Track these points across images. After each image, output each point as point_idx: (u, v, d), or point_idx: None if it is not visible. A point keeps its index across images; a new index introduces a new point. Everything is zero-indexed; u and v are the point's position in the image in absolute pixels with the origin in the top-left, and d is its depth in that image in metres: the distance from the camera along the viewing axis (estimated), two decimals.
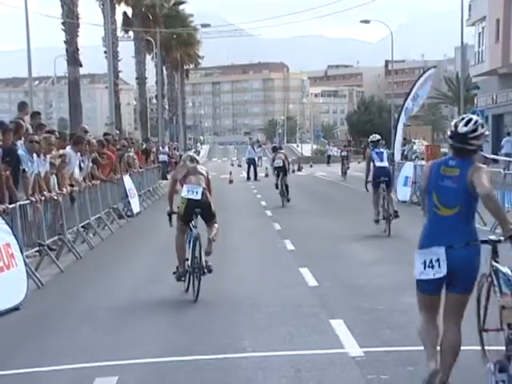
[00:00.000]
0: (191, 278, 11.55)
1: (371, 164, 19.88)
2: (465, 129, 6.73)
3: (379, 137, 20.99)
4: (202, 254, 11.64)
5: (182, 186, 12.03)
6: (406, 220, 20.69)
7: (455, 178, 6.66)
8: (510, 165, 36.85)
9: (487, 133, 7.14)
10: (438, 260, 6.58)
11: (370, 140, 22.21)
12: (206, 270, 11.48)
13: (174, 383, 7.34)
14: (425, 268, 6.62)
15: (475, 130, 6.77)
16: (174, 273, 11.68)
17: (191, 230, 11.80)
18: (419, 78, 31.10)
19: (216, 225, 12.30)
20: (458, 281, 6.69)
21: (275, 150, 29.02)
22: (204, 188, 12.05)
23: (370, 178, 19.76)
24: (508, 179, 20.10)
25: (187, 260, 11.57)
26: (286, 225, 20.33)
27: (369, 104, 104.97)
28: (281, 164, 28.74)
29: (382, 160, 19.77)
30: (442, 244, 6.54)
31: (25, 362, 8.17)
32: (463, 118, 6.89)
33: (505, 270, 6.50)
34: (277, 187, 28.61)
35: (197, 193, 11.82)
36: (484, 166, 7.08)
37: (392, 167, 24.11)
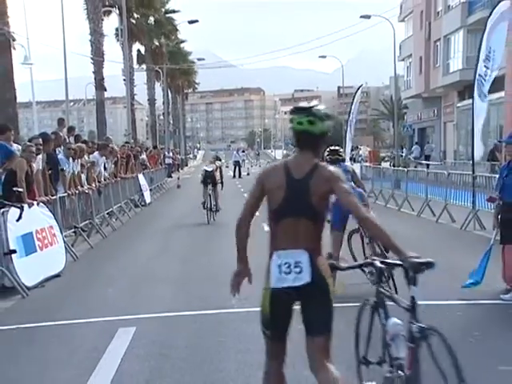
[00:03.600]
0: (209, 213, 17.87)
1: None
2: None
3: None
4: (213, 201, 18.20)
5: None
6: None
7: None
8: (417, 165, 37.57)
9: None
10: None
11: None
12: (216, 208, 18.39)
13: (179, 331, 7.34)
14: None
15: (336, 152, 9.60)
16: (202, 203, 18.14)
17: (208, 190, 18.23)
18: (354, 95, 31.19)
19: (218, 188, 18.67)
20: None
21: (258, 154, 32.23)
22: (213, 169, 18.51)
23: None
24: (430, 176, 20.26)
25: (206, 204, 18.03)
26: (262, 211, 20.29)
27: None
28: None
29: None
30: None
31: (65, 316, 8.18)
32: (334, 150, 9.63)
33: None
34: None
35: (210, 168, 18.60)
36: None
37: None
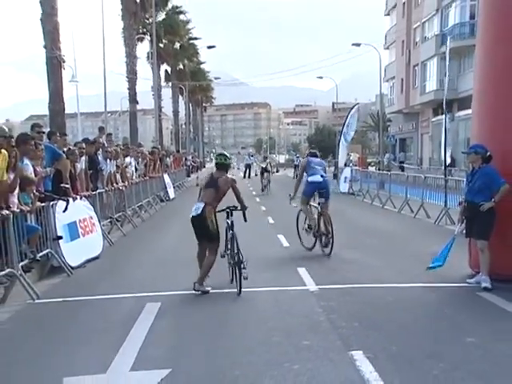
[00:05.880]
0: (265, 188, 27.37)
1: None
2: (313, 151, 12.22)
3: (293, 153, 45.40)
4: (267, 181, 27.87)
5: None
6: (346, 203, 20.77)
7: (320, 163, 11.49)
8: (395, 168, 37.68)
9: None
10: (319, 179, 11.05)
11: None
12: (269, 182, 27.97)
13: (198, 306, 7.37)
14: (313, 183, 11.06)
15: (315, 149, 12.54)
16: (261, 188, 26.38)
17: (264, 176, 28.35)
18: (349, 112, 31.08)
19: (270, 174, 28.17)
20: (328, 193, 11.16)
21: (265, 158, 33.43)
22: (267, 164, 28.32)
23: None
24: (410, 179, 20.22)
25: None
26: (269, 207, 20.30)
27: (322, 130, 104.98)
28: (297, 163, 40.25)
29: (297, 159, 37.99)
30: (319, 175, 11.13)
31: (102, 292, 8.23)
32: (313, 147, 13.98)
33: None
34: (295, 175, 38.94)
35: (264, 164, 27.67)
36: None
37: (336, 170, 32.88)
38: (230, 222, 8.13)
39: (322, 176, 11.12)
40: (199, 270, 8.14)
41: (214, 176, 8.28)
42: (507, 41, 8.31)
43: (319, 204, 11.12)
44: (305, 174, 11.40)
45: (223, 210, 8.21)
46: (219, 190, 8.12)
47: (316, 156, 11.78)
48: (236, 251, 7.83)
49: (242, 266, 7.80)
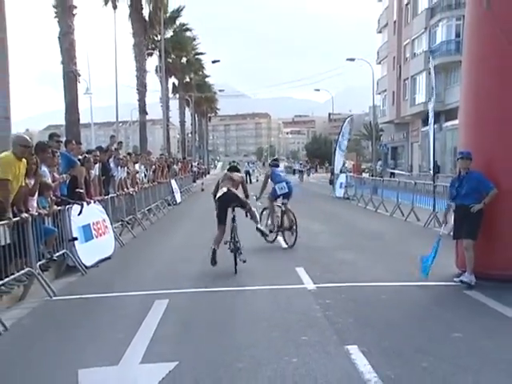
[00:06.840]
0: None
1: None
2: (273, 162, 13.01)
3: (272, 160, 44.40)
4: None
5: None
6: (342, 207, 20.77)
7: (281, 171, 12.97)
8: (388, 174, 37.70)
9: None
10: (284, 186, 12.05)
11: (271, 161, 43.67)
12: None
13: (204, 303, 7.37)
14: (281, 189, 11.96)
15: (276, 160, 13.51)
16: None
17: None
18: (344, 123, 31.06)
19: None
20: (291, 195, 12.09)
21: (264, 164, 33.46)
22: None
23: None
24: (401, 184, 20.21)
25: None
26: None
27: (318, 139, 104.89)
28: (296, 168, 42.35)
29: (299, 166, 34.55)
30: (284, 182, 12.18)
31: (114, 289, 8.22)
32: (275, 159, 13.55)
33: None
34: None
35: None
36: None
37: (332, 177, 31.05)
38: (233, 216, 9.47)
39: (287, 183, 12.28)
40: (213, 239, 9.39)
41: (228, 174, 10.03)
42: (490, 58, 8.38)
43: (283, 204, 12.18)
44: (270, 181, 12.51)
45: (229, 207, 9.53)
46: (234, 180, 9.85)
47: (277, 166, 13.09)
48: (236, 239, 9.25)
49: (239, 251, 9.26)
